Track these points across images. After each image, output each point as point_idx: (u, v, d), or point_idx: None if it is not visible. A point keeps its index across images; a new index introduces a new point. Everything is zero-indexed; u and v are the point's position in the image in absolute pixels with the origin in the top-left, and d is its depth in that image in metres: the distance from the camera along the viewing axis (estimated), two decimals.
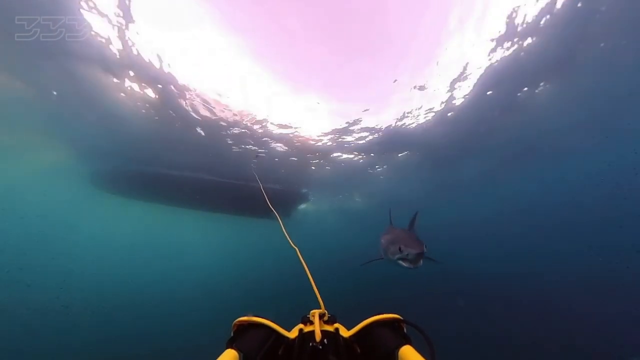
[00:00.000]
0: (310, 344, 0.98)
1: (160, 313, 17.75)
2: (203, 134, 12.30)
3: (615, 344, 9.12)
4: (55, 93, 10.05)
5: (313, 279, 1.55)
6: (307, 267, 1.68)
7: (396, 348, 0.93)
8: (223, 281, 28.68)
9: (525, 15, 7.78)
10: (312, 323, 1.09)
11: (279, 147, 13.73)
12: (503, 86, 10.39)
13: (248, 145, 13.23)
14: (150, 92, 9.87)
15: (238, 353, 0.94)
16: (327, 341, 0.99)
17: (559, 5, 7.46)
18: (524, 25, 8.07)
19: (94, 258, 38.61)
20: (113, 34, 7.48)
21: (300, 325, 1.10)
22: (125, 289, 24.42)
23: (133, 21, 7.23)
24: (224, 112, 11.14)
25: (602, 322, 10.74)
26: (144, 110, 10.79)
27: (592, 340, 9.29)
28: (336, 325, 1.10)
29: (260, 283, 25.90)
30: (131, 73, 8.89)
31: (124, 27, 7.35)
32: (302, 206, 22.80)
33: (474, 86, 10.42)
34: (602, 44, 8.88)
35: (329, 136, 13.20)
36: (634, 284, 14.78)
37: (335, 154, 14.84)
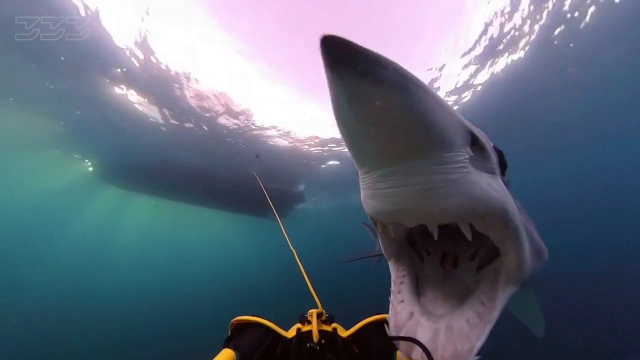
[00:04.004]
0: (308, 345, 0.97)
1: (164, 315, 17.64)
2: (206, 128, 12.32)
3: (610, 339, 9.03)
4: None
5: (309, 279, 1.55)
6: (304, 266, 1.67)
7: (395, 349, 0.93)
8: (225, 282, 28.59)
9: None
10: (309, 322, 1.07)
11: (278, 145, 13.73)
12: None
13: (245, 135, 13.19)
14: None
15: (235, 353, 0.93)
16: (325, 341, 0.98)
17: None
18: None
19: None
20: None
21: (298, 325, 1.09)
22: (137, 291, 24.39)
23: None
24: (224, 110, 11.17)
25: (596, 317, 10.68)
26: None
27: (586, 335, 9.22)
28: (334, 325, 1.08)
29: (261, 284, 25.85)
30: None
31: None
32: (300, 206, 22.78)
33: None
34: None
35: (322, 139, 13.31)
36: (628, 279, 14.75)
37: (328, 157, 14.92)
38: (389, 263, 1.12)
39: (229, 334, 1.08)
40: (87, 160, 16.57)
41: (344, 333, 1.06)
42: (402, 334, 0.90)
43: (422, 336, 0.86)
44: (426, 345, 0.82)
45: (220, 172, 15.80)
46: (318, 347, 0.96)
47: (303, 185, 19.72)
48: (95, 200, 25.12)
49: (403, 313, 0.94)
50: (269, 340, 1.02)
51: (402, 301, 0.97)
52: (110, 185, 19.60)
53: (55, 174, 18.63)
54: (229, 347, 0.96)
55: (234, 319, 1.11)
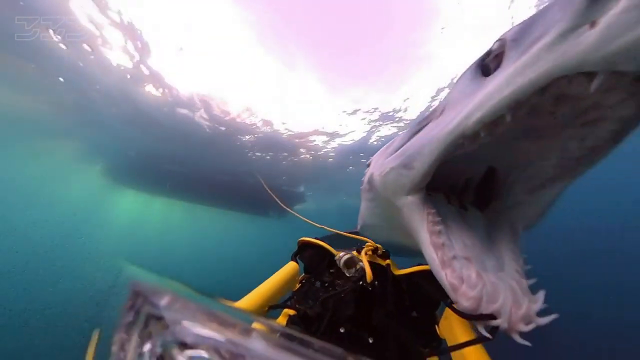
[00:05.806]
0: (361, 283, 0.99)
1: None
2: (207, 130, 12.24)
3: None
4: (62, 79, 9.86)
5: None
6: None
7: (444, 305, 0.88)
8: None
9: None
10: (365, 254, 1.12)
11: (275, 139, 13.57)
12: None
13: (245, 137, 13.06)
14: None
15: (298, 265, 1.21)
16: (377, 280, 1.00)
17: None
18: None
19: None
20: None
21: (355, 253, 1.17)
22: None
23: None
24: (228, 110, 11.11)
25: None
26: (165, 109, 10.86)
27: None
28: (388, 261, 1.16)
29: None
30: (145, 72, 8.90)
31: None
32: (300, 206, 22.63)
33: None
34: None
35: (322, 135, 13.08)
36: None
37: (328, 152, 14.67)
38: (412, 206, 0.80)
39: (297, 249, 1.30)
40: (96, 161, 16.27)
41: (397, 271, 1.13)
42: (483, 304, 0.60)
43: (505, 301, 0.60)
44: (508, 312, 0.59)
45: (221, 169, 15.68)
46: (370, 288, 0.99)
47: (302, 186, 19.58)
48: (109, 202, 24.66)
49: (471, 273, 0.64)
50: (327, 259, 1.19)
51: (454, 257, 0.68)
52: (123, 187, 19.27)
53: (60, 175, 18.31)
54: (294, 260, 1.25)
55: (300, 239, 1.31)
